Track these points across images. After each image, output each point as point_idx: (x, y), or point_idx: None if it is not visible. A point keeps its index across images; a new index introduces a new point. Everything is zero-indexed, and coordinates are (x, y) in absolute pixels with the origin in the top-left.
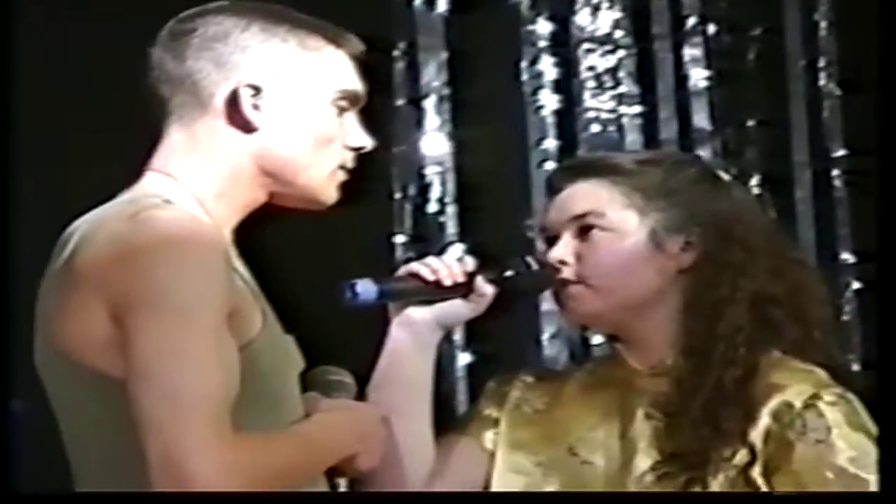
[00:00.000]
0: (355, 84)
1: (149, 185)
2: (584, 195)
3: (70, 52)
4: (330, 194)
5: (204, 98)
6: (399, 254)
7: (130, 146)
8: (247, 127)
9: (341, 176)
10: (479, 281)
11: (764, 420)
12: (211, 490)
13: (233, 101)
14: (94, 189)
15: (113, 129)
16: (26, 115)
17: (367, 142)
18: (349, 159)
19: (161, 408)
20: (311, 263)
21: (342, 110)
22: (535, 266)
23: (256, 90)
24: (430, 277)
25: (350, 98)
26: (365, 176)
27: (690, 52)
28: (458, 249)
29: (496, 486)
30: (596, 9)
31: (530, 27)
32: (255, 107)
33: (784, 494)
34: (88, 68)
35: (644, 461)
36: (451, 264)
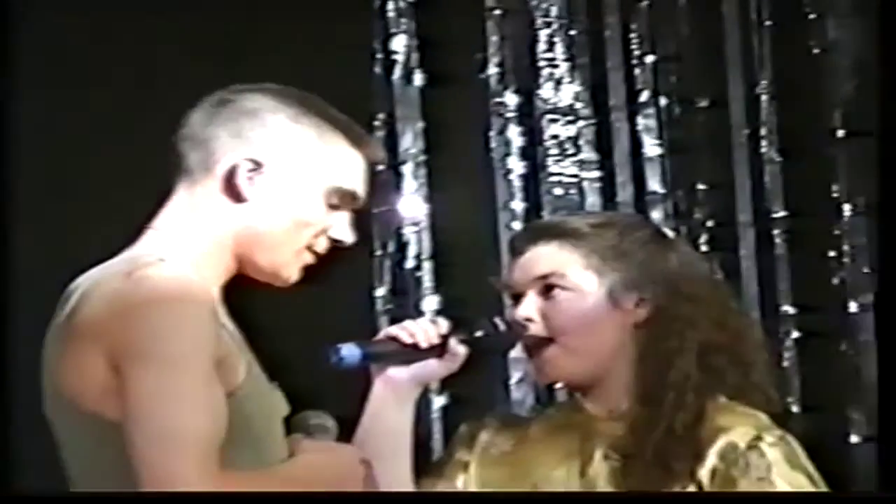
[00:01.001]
0: (357, 187)
1: (147, 243)
2: (546, 257)
3: (70, 117)
4: (290, 274)
5: (211, 163)
6: (379, 306)
7: (131, 207)
8: (237, 197)
9: (308, 258)
10: (452, 342)
11: (711, 459)
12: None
13: (232, 171)
14: (96, 247)
15: (113, 190)
16: (26, 174)
17: (348, 238)
18: (323, 246)
19: (153, 448)
20: (297, 313)
21: (333, 207)
22: (502, 326)
23: (257, 165)
24: (408, 340)
25: (345, 197)
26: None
27: (644, 122)
28: (433, 303)
29: None
30: (558, 83)
31: (498, 99)
32: (250, 179)
33: (784, 494)
34: (87, 134)
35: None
36: (427, 327)
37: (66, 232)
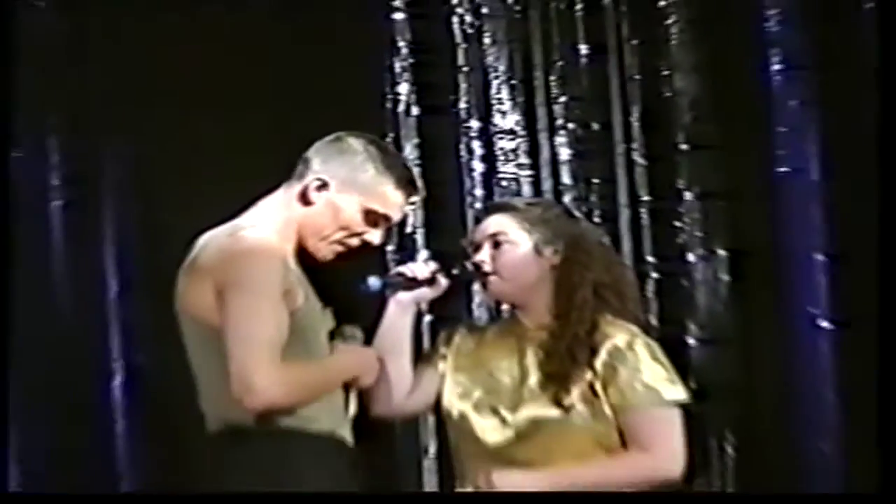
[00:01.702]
0: (394, 215)
1: (246, 217)
2: (496, 223)
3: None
4: (325, 256)
5: (303, 175)
6: (389, 257)
7: (232, 197)
8: (305, 202)
9: (340, 249)
10: (439, 277)
11: (602, 355)
12: (264, 398)
13: (307, 185)
14: (212, 216)
15: (225, 185)
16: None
17: (375, 242)
18: (355, 243)
19: (238, 346)
20: (339, 262)
21: (370, 223)
22: (469, 267)
23: (324, 184)
24: (410, 275)
25: (380, 219)
26: None
27: (559, 139)
28: (423, 254)
29: (445, 394)
30: (504, 114)
31: (466, 125)
32: (317, 191)
33: (786, 495)
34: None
35: (533, 379)
36: (422, 267)
37: (196, 208)
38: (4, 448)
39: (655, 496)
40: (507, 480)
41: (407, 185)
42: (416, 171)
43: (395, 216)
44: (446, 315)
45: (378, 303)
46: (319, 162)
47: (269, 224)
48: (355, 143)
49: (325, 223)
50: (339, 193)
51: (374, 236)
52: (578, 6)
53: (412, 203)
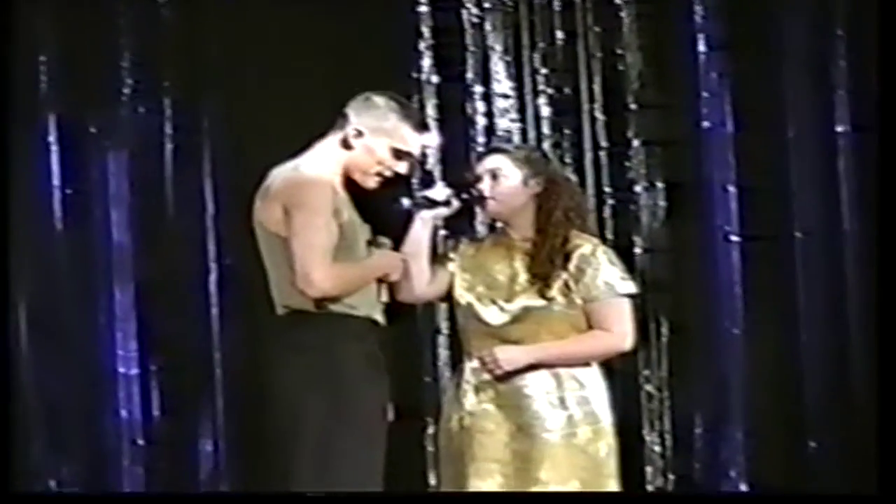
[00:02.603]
0: (415, 150)
1: (305, 156)
2: (494, 160)
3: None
4: (369, 185)
5: (344, 126)
6: (413, 187)
7: (298, 138)
8: (347, 147)
9: (379, 179)
10: (452, 200)
11: (574, 260)
12: (319, 289)
13: (346, 134)
14: (280, 156)
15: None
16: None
17: (404, 171)
18: (390, 174)
19: (300, 250)
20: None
21: (397, 157)
22: (474, 193)
23: (360, 133)
24: (432, 197)
25: (404, 154)
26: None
27: (541, 101)
28: (441, 185)
29: (455, 288)
30: (499, 81)
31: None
32: (355, 138)
33: (785, 495)
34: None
35: (522, 278)
36: (440, 191)
37: (268, 150)
38: (4, 448)
39: (655, 496)
40: (505, 352)
41: (420, 126)
42: (427, 117)
43: (416, 151)
44: (456, 229)
45: (402, 221)
46: (354, 116)
47: (321, 162)
48: (379, 99)
49: (365, 161)
50: (372, 138)
51: (402, 167)
52: (556, 2)
53: (426, 140)
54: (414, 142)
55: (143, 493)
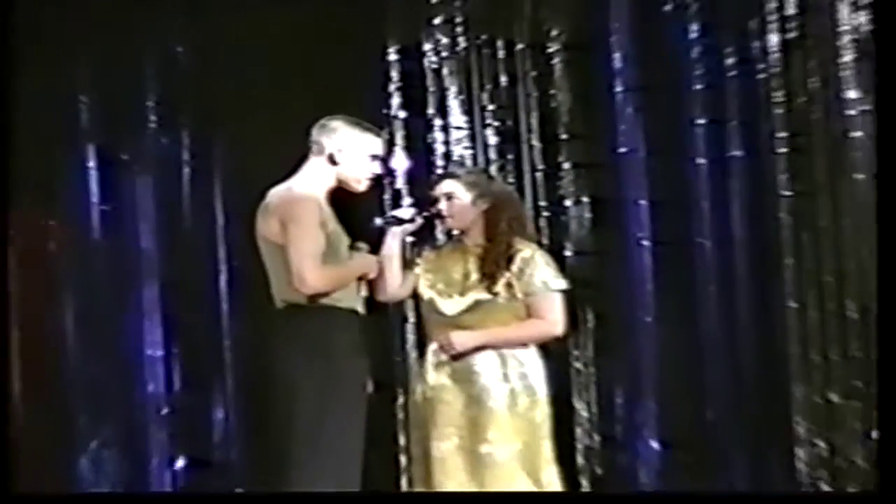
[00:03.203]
0: (379, 152)
1: (297, 178)
2: (448, 185)
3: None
4: (359, 189)
5: (322, 150)
6: (386, 207)
7: (287, 162)
8: (333, 162)
9: (367, 183)
10: (416, 217)
11: (516, 262)
12: (311, 287)
13: (332, 154)
14: (277, 177)
15: (281, 154)
16: (225, 148)
17: (380, 171)
18: (372, 176)
19: (296, 255)
20: (357, 205)
21: (375, 159)
22: (433, 212)
23: (340, 150)
24: (399, 217)
25: (376, 158)
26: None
27: (489, 132)
28: (407, 205)
29: (420, 286)
30: (455, 117)
31: (431, 124)
32: (340, 152)
33: (785, 495)
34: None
35: (473, 277)
36: (406, 211)
37: (264, 175)
38: (4, 449)
39: (656, 496)
40: (458, 337)
41: (378, 135)
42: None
43: (382, 154)
44: (420, 240)
45: (376, 234)
46: (326, 139)
47: (310, 181)
48: (337, 122)
49: (353, 170)
50: (352, 151)
51: (378, 168)
52: (500, 52)
53: (385, 143)
54: (379, 146)
55: (143, 493)
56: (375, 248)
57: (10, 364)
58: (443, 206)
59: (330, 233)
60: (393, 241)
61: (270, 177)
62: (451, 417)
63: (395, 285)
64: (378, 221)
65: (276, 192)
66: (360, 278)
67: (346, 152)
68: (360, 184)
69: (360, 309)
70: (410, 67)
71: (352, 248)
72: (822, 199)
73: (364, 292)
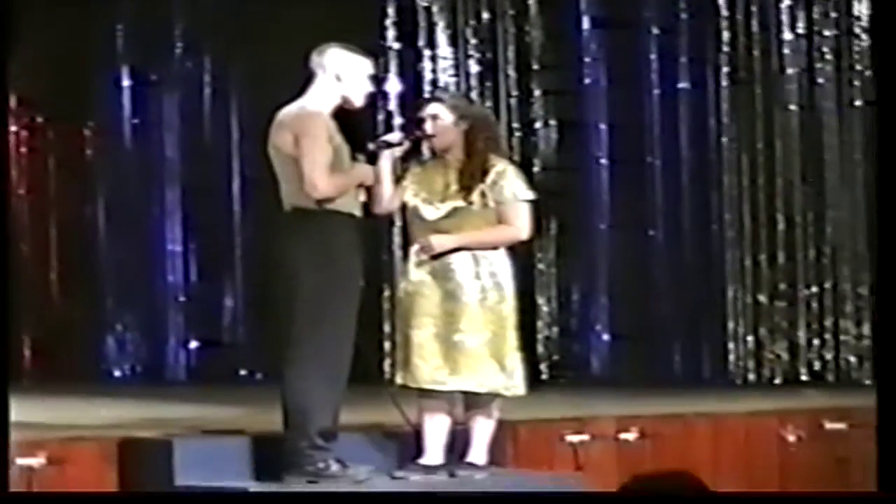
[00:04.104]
0: (373, 71)
1: (306, 96)
2: (433, 107)
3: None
4: (358, 105)
5: (326, 69)
6: (380, 130)
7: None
8: (338, 79)
9: (367, 98)
10: (404, 140)
11: (490, 175)
12: (321, 192)
13: (338, 73)
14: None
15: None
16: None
17: (373, 89)
18: (371, 91)
19: (307, 165)
20: (362, 128)
21: (372, 78)
22: (419, 133)
23: (343, 69)
24: (389, 140)
25: (372, 76)
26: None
27: (471, 63)
28: (395, 132)
29: (406, 196)
30: (442, 49)
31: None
32: (342, 71)
33: (784, 494)
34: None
35: (453, 187)
36: (396, 135)
37: (274, 95)
38: (4, 450)
39: (656, 496)
40: (437, 240)
41: (368, 57)
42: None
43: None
44: (408, 156)
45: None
46: (328, 61)
47: (319, 99)
48: (335, 48)
49: (356, 86)
50: (353, 71)
51: (372, 86)
52: None
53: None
54: (373, 66)
55: (145, 492)
56: (371, 161)
57: (49, 257)
58: (428, 126)
59: (336, 146)
60: (385, 163)
61: (279, 98)
62: (429, 309)
63: (386, 198)
64: (370, 146)
65: (289, 110)
66: (359, 185)
67: (348, 71)
68: (360, 100)
69: (358, 213)
70: (404, 4)
71: (353, 159)
72: (759, 125)
73: (362, 197)
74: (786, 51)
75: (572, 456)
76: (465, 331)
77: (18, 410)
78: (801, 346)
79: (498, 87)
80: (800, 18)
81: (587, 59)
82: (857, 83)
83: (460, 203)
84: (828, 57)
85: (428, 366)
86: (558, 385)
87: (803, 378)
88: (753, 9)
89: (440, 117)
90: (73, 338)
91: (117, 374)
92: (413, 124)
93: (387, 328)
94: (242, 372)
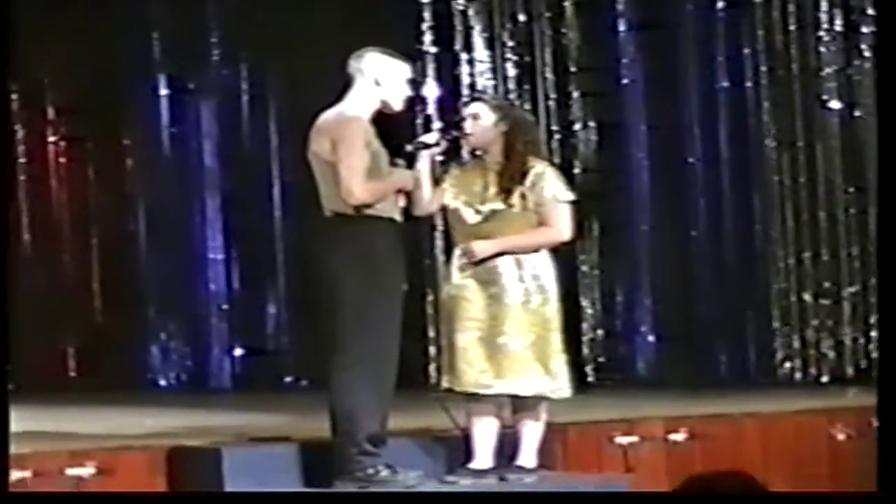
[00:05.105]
0: (414, 75)
1: (344, 102)
2: (474, 106)
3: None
4: (399, 109)
5: (365, 74)
6: (418, 130)
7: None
8: (378, 84)
9: (405, 103)
10: (441, 141)
11: (530, 177)
12: (358, 198)
13: (376, 77)
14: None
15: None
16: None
17: (412, 93)
18: (409, 96)
19: (345, 171)
20: (401, 132)
21: (410, 83)
22: (461, 131)
23: (382, 73)
24: (426, 142)
25: (411, 81)
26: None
27: (508, 66)
28: (433, 132)
29: (446, 198)
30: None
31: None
32: (383, 76)
33: (784, 494)
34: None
35: (492, 190)
36: (432, 136)
37: (312, 101)
38: (4, 451)
39: (657, 496)
40: (479, 245)
41: (409, 63)
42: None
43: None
44: (447, 158)
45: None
46: (367, 66)
47: (357, 105)
48: (373, 53)
49: (395, 91)
50: (392, 75)
51: (411, 90)
52: None
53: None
54: (411, 70)
55: (144, 492)
56: (410, 165)
57: (91, 268)
58: (468, 125)
59: (374, 151)
60: (423, 164)
61: (317, 103)
62: (473, 313)
63: (426, 201)
64: (408, 147)
65: (327, 116)
66: (398, 191)
67: (386, 76)
68: (399, 103)
69: (398, 217)
70: (440, 9)
71: (392, 164)
72: (799, 125)
73: (402, 202)
74: (823, 49)
75: (622, 458)
76: (509, 333)
77: (65, 421)
78: (847, 344)
79: (536, 90)
80: (837, 16)
81: (625, 60)
82: None
83: (500, 206)
84: (867, 54)
85: (473, 369)
86: (605, 387)
87: (850, 376)
88: (791, 7)
89: (481, 116)
90: (117, 348)
91: (162, 383)
92: (451, 125)
93: (431, 333)
94: (287, 379)
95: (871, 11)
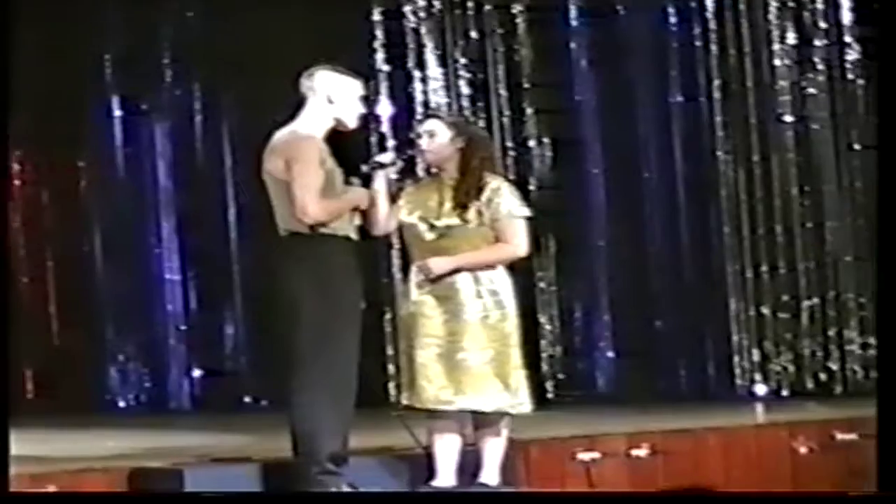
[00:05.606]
0: (364, 92)
1: (298, 121)
2: (430, 123)
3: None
4: (351, 127)
5: (317, 93)
6: (373, 149)
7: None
8: (330, 101)
9: (359, 120)
10: (397, 160)
11: (486, 192)
12: (313, 217)
13: (329, 95)
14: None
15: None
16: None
17: (364, 110)
18: (363, 113)
19: (299, 190)
20: (356, 150)
21: (363, 100)
22: (416, 148)
23: (334, 91)
24: (381, 161)
25: (363, 97)
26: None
27: (461, 83)
28: (387, 152)
29: (402, 215)
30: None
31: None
32: (334, 93)
33: (784, 494)
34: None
35: (447, 205)
36: (388, 156)
37: (266, 120)
38: (4, 452)
39: (658, 496)
40: (436, 262)
41: (357, 79)
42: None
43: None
44: (403, 176)
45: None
46: (318, 84)
47: (310, 123)
48: (324, 70)
49: (348, 108)
50: (344, 92)
51: (364, 108)
52: (469, 12)
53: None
54: (363, 88)
55: (144, 492)
56: (366, 184)
57: (48, 290)
58: (424, 142)
59: (328, 170)
60: (379, 183)
61: (271, 123)
62: (432, 329)
63: (383, 219)
64: (364, 168)
65: (280, 135)
66: (353, 209)
67: (339, 93)
68: (352, 122)
69: (354, 236)
70: (392, 27)
71: (346, 182)
72: (754, 138)
73: (357, 220)
74: (777, 62)
75: (584, 474)
76: (469, 349)
77: (23, 444)
78: (806, 357)
79: (490, 107)
80: (790, 29)
81: (577, 77)
82: (854, 92)
83: (456, 221)
84: (820, 67)
85: (433, 386)
86: (565, 404)
87: (810, 389)
88: (743, 21)
89: (437, 133)
90: (75, 369)
91: (122, 404)
92: (406, 143)
93: (390, 350)
94: (247, 399)
95: (823, 25)
